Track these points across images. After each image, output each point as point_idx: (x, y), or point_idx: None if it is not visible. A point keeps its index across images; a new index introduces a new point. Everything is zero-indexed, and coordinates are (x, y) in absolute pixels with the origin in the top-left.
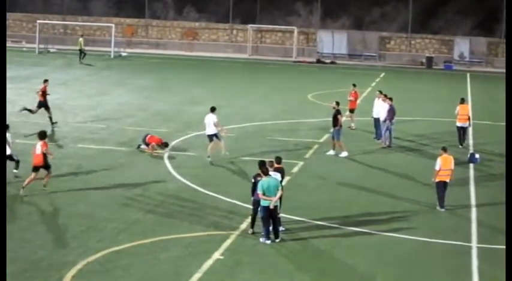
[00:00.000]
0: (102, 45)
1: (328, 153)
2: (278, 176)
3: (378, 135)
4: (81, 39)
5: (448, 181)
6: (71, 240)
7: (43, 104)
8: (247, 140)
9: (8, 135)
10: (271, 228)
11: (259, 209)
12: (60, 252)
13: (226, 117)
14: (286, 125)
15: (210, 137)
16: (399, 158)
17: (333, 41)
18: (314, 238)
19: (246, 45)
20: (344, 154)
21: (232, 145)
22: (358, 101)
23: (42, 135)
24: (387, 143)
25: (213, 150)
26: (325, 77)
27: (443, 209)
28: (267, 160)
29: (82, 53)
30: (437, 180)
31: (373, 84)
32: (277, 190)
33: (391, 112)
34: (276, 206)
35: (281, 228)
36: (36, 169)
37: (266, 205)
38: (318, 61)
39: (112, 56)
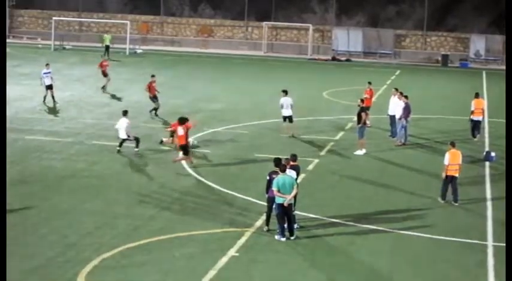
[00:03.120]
0: (117, 42)
1: (355, 153)
2: (293, 173)
3: (393, 133)
4: (107, 35)
5: (457, 175)
6: (87, 236)
7: (154, 97)
8: (263, 138)
9: (124, 119)
10: (286, 225)
11: (274, 206)
12: (75, 248)
13: (241, 115)
14: (302, 122)
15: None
16: (414, 156)
17: (348, 39)
18: (329, 236)
19: (261, 42)
20: (361, 152)
21: (248, 142)
22: (373, 99)
23: (182, 119)
24: (402, 140)
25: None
26: (341, 75)
27: (443, 201)
28: (282, 157)
29: (107, 49)
30: (446, 174)
31: (389, 81)
32: (293, 187)
33: (407, 110)
34: (290, 204)
35: (296, 225)
36: (181, 147)
37: (281, 202)
38: (333, 58)
39: (127, 53)
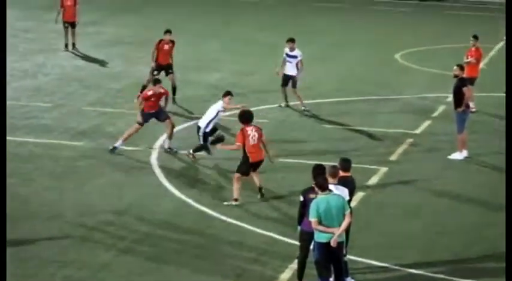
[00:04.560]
0: None
1: (451, 156)
2: (345, 192)
3: None
4: None
5: None
6: None
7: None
8: (292, 130)
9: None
10: (331, 280)
11: (311, 247)
12: None
13: (255, 92)
14: (359, 104)
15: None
16: None
17: None
18: None
19: None
20: (460, 154)
21: (268, 137)
22: (481, 65)
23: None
24: None
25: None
26: (426, 23)
27: None
28: (326, 163)
29: None
30: None
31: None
32: (344, 214)
33: None
34: (340, 243)
35: (348, 280)
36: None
37: (324, 240)
38: None
39: None
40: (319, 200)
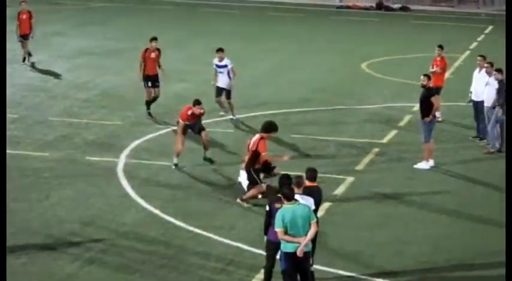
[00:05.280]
0: None
1: (417, 166)
2: (310, 201)
3: (481, 133)
4: None
5: None
6: None
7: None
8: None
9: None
10: None
11: (278, 256)
12: None
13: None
14: (326, 114)
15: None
16: None
17: None
18: None
19: None
20: (426, 164)
21: (232, 148)
22: (447, 75)
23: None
24: (497, 145)
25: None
26: (392, 33)
27: None
28: (292, 173)
29: None
30: None
31: (473, 45)
32: (309, 224)
33: (501, 93)
34: (307, 253)
35: None
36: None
37: (290, 250)
38: (380, 6)
39: None
40: (285, 210)
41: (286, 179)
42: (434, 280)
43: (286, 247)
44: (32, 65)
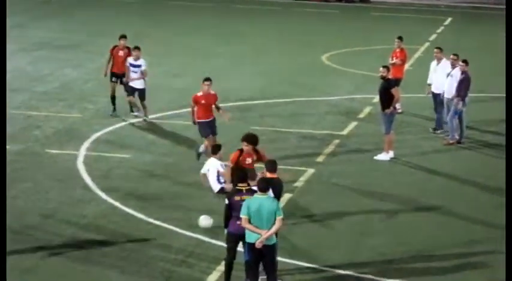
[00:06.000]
0: None
1: (377, 157)
2: (270, 194)
3: (439, 124)
4: None
5: None
6: None
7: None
8: (220, 132)
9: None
10: None
11: (242, 248)
12: None
13: (181, 94)
14: (286, 106)
15: None
16: (476, 163)
17: None
18: None
19: None
20: (386, 155)
21: (194, 140)
22: (406, 66)
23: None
24: (456, 137)
25: None
26: (351, 26)
27: None
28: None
29: None
30: None
31: (433, 37)
32: (274, 217)
33: (465, 84)
34: (271, 246)
35: None
36: None
37: (253, 241)
38: None
39: None
40: (252, 200)
41: (241, 170)
42: (394, 272)
43: (250, 238)
44: None
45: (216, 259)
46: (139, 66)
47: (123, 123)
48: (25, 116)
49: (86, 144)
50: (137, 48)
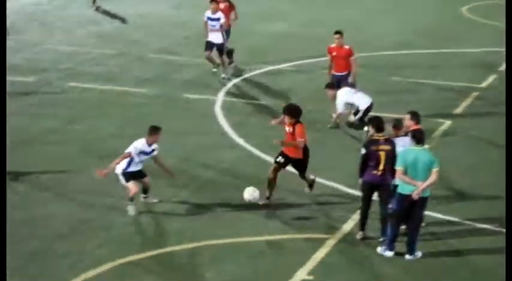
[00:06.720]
0: None
1: None
2: (406, 140)
3: None
4: None
5: None
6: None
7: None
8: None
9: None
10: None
11: (394, 198)
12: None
13: (317, 43)
14: (424, 57)
15: None
16: None
17: None
18: (477, 254)
19: None
20: None
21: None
22: None
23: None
24: None
25: None
26: None
27: None
28: (385, 115)
29: None
30: None
31: None
32: (430, 171)
33: None
34: (423, 199)
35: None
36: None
37: (407, 192)
38: None
39: None
40: (408, 152)
41: (399, 122)
42: None
43: (403, 189)
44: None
45: (352, 208)
46: (218, 19)
47: (259, 71)
48: (165, 61)
49: (224, 89)
50: (215, 0)
